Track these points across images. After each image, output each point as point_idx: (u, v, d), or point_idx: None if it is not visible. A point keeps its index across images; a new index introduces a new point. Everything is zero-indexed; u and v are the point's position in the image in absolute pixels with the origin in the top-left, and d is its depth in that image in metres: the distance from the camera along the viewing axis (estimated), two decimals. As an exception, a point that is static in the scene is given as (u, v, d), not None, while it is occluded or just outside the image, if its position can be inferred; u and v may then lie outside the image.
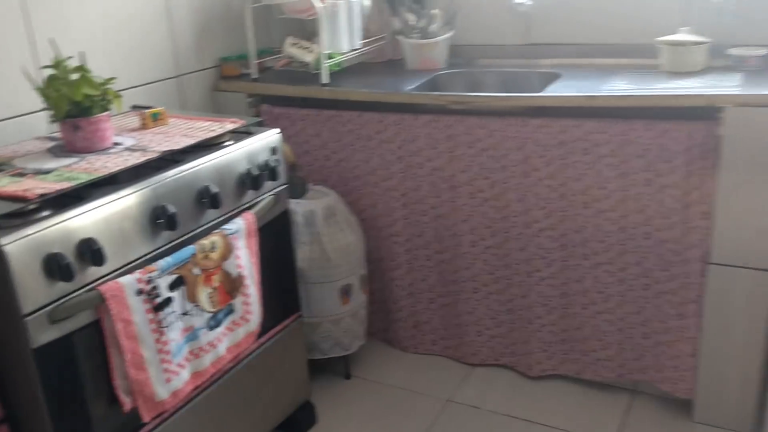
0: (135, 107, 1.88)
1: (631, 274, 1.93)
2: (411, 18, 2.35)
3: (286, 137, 2.24)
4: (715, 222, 1.76)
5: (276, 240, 1.81)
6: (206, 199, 1.54)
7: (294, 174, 2.04)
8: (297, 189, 2.08)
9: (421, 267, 2.21)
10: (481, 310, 2.17)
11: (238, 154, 1.65)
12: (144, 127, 1.67)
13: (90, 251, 1.28)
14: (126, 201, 1.37)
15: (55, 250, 1.24)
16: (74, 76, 1.44)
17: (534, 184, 1.96)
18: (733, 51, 1.97)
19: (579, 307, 2.03)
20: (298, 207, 2.03)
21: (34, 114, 1.71)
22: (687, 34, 2.00)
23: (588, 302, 2.01)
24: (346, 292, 2.09)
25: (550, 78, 2.14)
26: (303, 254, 2.02)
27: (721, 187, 1.73)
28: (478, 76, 2.33)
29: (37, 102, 1.50)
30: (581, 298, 2.02)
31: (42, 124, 1.72)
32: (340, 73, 2.26)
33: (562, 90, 1.93)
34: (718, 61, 2.00)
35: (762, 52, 1.93)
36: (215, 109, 2.30)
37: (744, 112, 1.66)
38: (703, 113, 1.72)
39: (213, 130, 1.65)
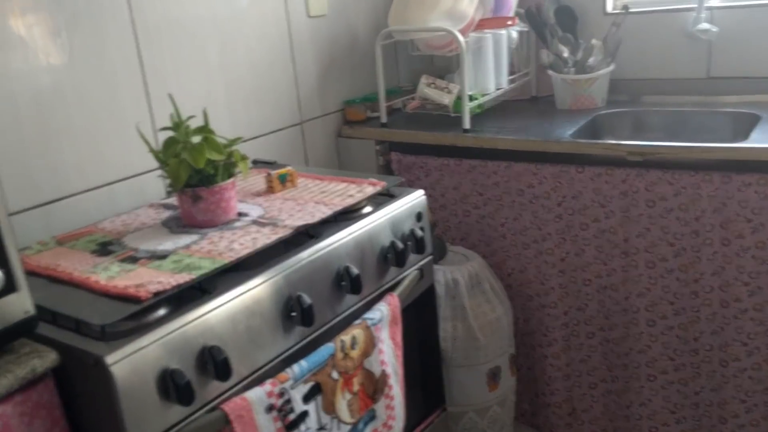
0: (257, 162, 1.64)
1: None
2: (564, 50, 2.02)
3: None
4: None
5: (420, 322, 1.52)
6: (346, 282, 1.26)
7: (431, 233, 1.75)
8: (435, 252, 1.77)
9: (581, 345, 1.85)
10: (658, 402, 1.78)
11: (381, 224, 1.36)
12: (270, 191, 1.42)
13: (214, 363, 1.02)
14: (255, 293, 1.11)
15: (173, 366, 0.98)
16: (196, 139, 1.20)
17: (736, 255, 1.57)
18: None
19: (717, 364, 1.62)
20: (437, 274, 1.73)
21: (148, 174, 1.50)
22: None
23: (728, 358, 1.60)
24: (493, 377, 1.77)
25: (746, 120, 1.76)
26: (445, 332, 1.71)
27: None
28: (645, 117, 1.96)
29: (151, 160, 1.27)
30: (719, 353, 1.61)
31: (157, 185, 1.50)
32: (482, 116, 1.96)
33: (773, 137, 1.55)
34: None
35: None
36: (340, 157, 2.04)
37: None
38: None
39: (351, 195, 1.38)
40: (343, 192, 1.40)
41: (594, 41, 2.00)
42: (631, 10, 1.98)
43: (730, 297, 1.61)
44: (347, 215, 1.34)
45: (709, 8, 1.90)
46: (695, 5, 1.88)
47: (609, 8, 2.08)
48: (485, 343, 1.73)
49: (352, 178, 1.48)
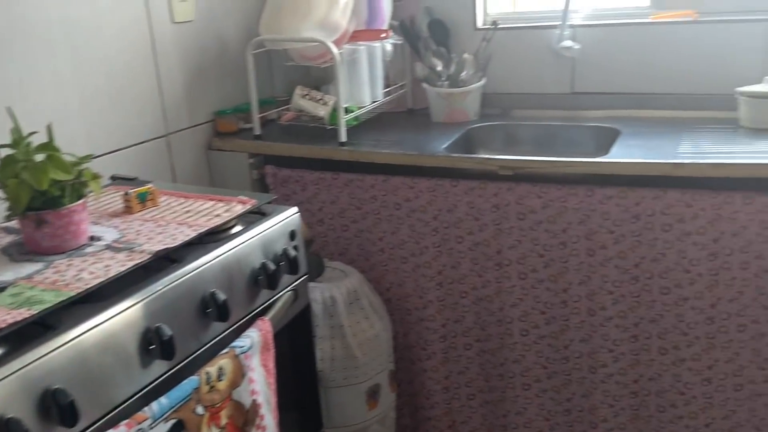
0: (116, 179, 1.53)
1: (721, 373, 1.60)
2: (438, 64, 2.03)
3: (296, 205, 1.90)
4: (831, 315, 1.45)
5: (295, 344, 1.46)
6: (212, 309, 1.19)
7: (308, 251, 1.69)
8: (312, 269, 1.72)
9: (459, 357, 1.86)
10: (533, 410, 1.82)
11: (251, 244, 1.30)
12: (129, 211, 1.32)
13: (58, 408, 0.92)
14: (108, 326, 1.01)
15: (9, 414, 0.87)
16: (39, 157, 1.08)
17: (600, 264, 1.63)
18: (828, 104, 1.68)
19: (654, 409, 1.69)
20: (314, 292, 1.68)
21: (-11, 193, 1.35)
22: (772, 84, 1.71)
23: (665, 404, 1.68)
24: (373, 395, 1.74)
25: (607, 134, 1.83)
26: (322, 353, 1.67)
27: (841, 274, 1.42)
28: (517, 130, 2.01)
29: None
30: (656, 399, 1.68)
31: (-2, 206, 1.36)
32: (358, 128, 1.93)
33: (631, 152, 1.62)
34: (806, 116, 1.71)
35: None
36: (211, 171, 1.95)
37: None
38: (819, 186, 1.42)
39: (218, 215, 1.30)
40: (210, 211, 1.32)
41: (466, 55, 2.02)
42: (499, 26, 2.02)
43: (596, 305, 1.67)
44: (214, 236, 1.27)
45: (572, 26, 1.97)
46: (559, 23, 1.95)
47: (479, 23, 2.11)
48: (364, 361, 1.70)
49: (220, 195, 1.40)
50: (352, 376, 1.69)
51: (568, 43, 1.95)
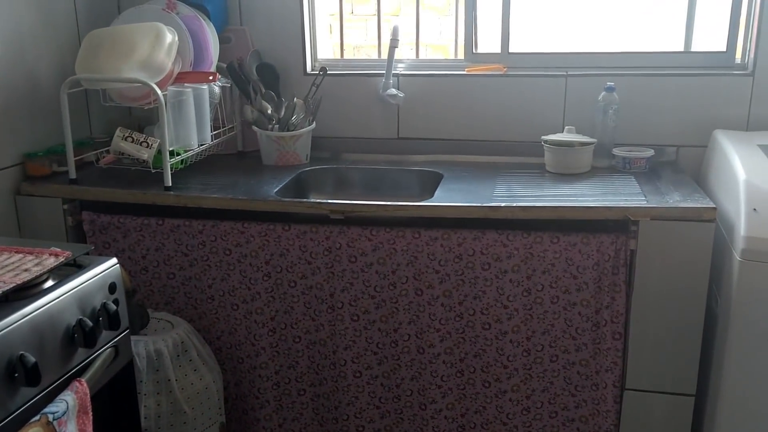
0: None
1: (538, 402, 1.72)
2: (268, 107, 2.03)
3: (117, 253, 1.79)
4: (628, 343, 1.61)
5: (116, 404, 1.36)
6: (19, 373, 1.08)
7: (130, 302, 1.60)
8: (135, 321, 1.63)
9: (293, 404, 1.84)
10: (368, 451, 1.84)
11: (65, 300, 1.20)
12: None
13: None
14: None
15: None
16: None
17: (428, 303, 1.70)
18: (618, 151, 1.89)
19: (481, 442, 1.78)
20: (138, 346, 1.58)
21: None
22: (572, 133, 1.89)
23: (491, 435, 1.77)
24: (203, 450, 1.66)
25: (431, 178, 1.93)
26: (147, 410, 1.57)
27: (634, 304, 1.59)
28: (347, 173, 2.05)
29: None
30: (483, 430, 1.77)
31: None
32: (186, 171, 1.88)
33: (453, 196, 1.71)
34: (601, 161, 1.91)
35: (649, 153, 1.86)
36: (21, 219, 1.79)
37: (658, 226, 1.54)
38: (613, 226, 1.58)
39: (26, 270, 1.19)
40: (17, 266, 1.21)
41: (296, 100, 2.04)
42: (328, 72, 2.06)
43: (424, 343, 1.72)
44: (22, 293, 1.16)
45: (396, 75, 2.07)
46: (384, 72, 2.03)
47: (309, 69, 2.15)
48: (193, 415, 1.63)
49: (30, 247, 1.29)
50: (181, 433, 1.61)
51: (392, 91, 2.03)
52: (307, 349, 1.79)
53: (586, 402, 1.69)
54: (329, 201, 1.70)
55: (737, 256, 1.40)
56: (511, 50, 2.07)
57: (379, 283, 1.71)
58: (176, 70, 1.82)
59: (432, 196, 1.74)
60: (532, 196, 1.68)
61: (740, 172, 1.52)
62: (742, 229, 1.40)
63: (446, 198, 1.71)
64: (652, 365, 1.60)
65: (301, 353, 1.80)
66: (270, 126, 2.02)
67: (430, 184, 1.90)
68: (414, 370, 1.76)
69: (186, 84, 1.85)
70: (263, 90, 2.06)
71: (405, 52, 2.26)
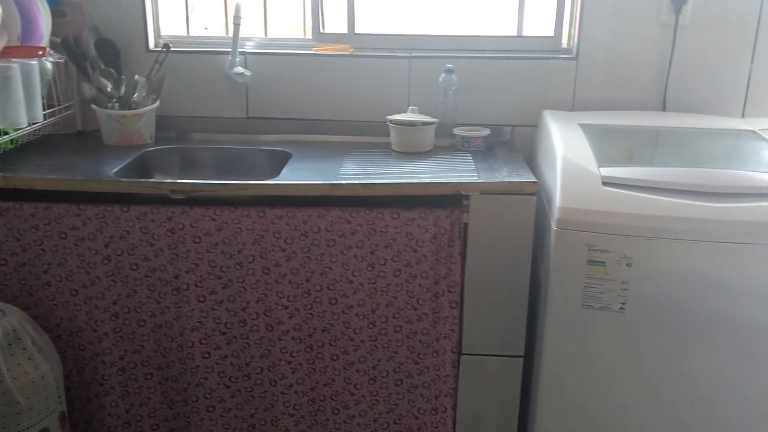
0: None
1: (383, 371, 1.79)
2: (107, 85, 1.96)
3: (-60, 239, 1.68)
4: (464, 311, 1.71)
5: (-67, 399, 1.29)
6: None
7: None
8: (-40, 310, 1.54)
9: (140, 388, 1.81)
10: (219, 431, 1.83)
11: None
12: None
13: None
14: None
15: None
16: None
17: (276, 282, 1.71)
18: (458, 131, 1.98)
19: (330, 412, 1.82)
20: (-37, 337, 1.50)
21: None
22: (415, 113, 1.97)
23: (340, 406, 1.82)
24: (41, 441, 1.60)
25: (280, 157, 1.94)
26: (-25, 403, 1.49)
27: (468, 274, 1.69)
28: (194, 154, 2.02)
29: None
30: (332, 402, 1.82)
31: None
32: (17, 152, 1.78)
33: (299, 174, 1.73)
34: (443, 140, 2.00)
35: (485, 132, 1.97)
36: None
37: (487, 199, 1.63)
38: (448, 201, 1.67)
39: None
40: None
41: (138, 77, 1.98)
42: (172, 49, 2.02)
43: (273, 321, 1.74)
44: None
45: (243, 53, 2.05)
46: (230, 49, 2.01)
47: (151, 45, 2.09)
48: (28, 405, 1.56)
49: None
50: (14, 423, 1.54)
51: (239, 69, 2.02)
52: (153, 332, 1.76)
53: (428, 368, 1.77)
54: (169, 180, 1.67)
55: (553, 226, 1.52)
56: (356, 31, 2.11)
57: (225, 263, 1.70)
58: (1, 45, 1.71)
59: (279, 175, 1.75)
60: (375, 174, 1.73)
61: (559, 148, 1.65)
62: (557, 200, 1.52)
63: (292, 177, 1.73)
64: (485, 330, 1.71)
65: (146, 337, 1.77)
66: (110, 104, 1.95)
67: (278, 163, 1.90)
68: (263, 347, 1.77)
69: (13, 59, 1.74)
70: (102, 67, 1.98)
71: (254, 30, 2.24)
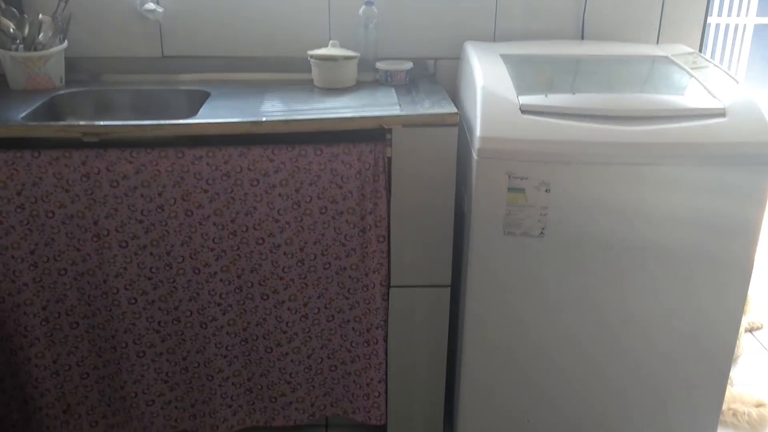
0: None
1: (315, 308, 1.80)
2: (10, 25, 1.85)
3: None
4: (391, 244, 1.73)
5: None
6: None
7: None
8: None
9: (66, 338, 1.77)
10: (151, 376, 1.82)
11: None
12: None
13: None
14: None
15: None
16: None
17: (199, 224, 1.69)
18: (381, 65, 1.96)
19: (263, 351, 1.83)
20: None
21: None
22: (336, 48, 1.93)
23: (272, 345, 1.83)
24: (-38, 396, 1.55)
25: (198, 97, 1.88)
26: None
27: (394, 208, 1.70)
28: (109, 96, 1.94)
29: None
30: (264, 341, 1.83)
31: None
32: None
33: (218, 113, 1.69)
34: (366, 75, 1.98)
35: (408, 66, 1.95)
36: None
37: (409, 132, 1.63)
38: (372, 135, 1.66)
39: None
40: None
41: (42, 16, 1.87)
42: (77, -14, 1.91)
43: (200, 263, 1.72)
44: None
45: (154, -11, 1.96)
46: (138, -16, 1.92)
47: (55, -19, 1.97)
48: (-56, 360, 1.51)
49: None
50: (-69, 381, 1.49)
51: (150, 5, 1.93)
52: (75, 281, 1.72)
53: (359, 303, 1.79)
54: (80, 123, 1.61)
55: (474, 155, 1.54)
56: (274, -37, 2.04)
57: (145, 207, 1.66)
58: None
59: (196, 114, 1.70)
60: (297, 111, 1.71)
61: (479, 78, 1.65)
62: (477, 130, 1.53)
63: (211, 115, 1.68)
64: (412, 263, 1.74)
65: (68, 285, 1.72)
66: (14, 46, 1.85)
67: (197, 103, 1.85)
68: (191, 291, 1.76)
69: None
70: (3, 6, 1.86)
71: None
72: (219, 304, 1.77)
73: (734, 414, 1.96)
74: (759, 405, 2.00)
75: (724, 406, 1.99)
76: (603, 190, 1.53)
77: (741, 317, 1.63)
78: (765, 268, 2.94)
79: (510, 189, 1.53)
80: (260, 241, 1.72)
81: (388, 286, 1.77)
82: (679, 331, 1.64)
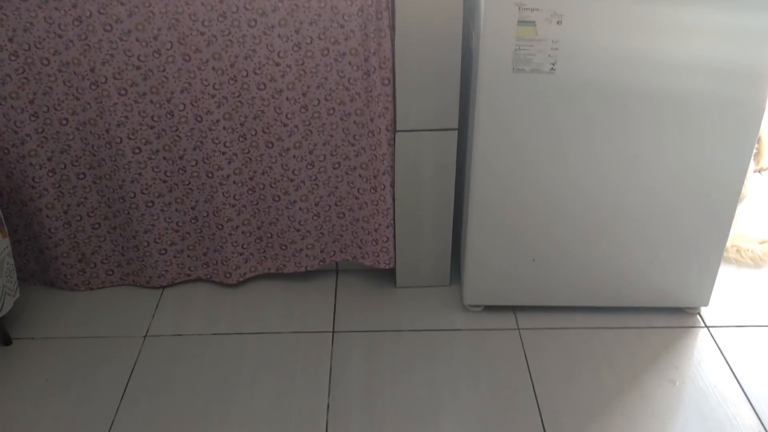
0: None
1: (321, 155, 1.79)
2: None
3: None
4: (396, 87, 1.68)
5: None
6: None
7: None
8: None
9: (74, 188, 1.78)
10: (161, 225, 1.85)
11: None
12: None
13: None
14: None
15: None
16: None
17: (198, 69, 1.64)
18: None
19: (271, 200, 1.84)
20: None
21: None
22: None
23: (280, 193, 1.83)
24: (-23, 243, 1.59)
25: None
26: None
27: (398, 48, 1.63)
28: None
29: None
30: (272, 190, 1.83)
31: None
32: None
33: (211, -51, 1.59)
34: None
35: None
36: None
37: (413, -36, 1.54)
38: (372, -32, 1.57)
39: None
40: None
41: None
42: None
43: (201, 111, 1.69)
44: None
45: None
46: None
47: None
48: (-45, 208, 1.53)
49: None
50: (-55, 228, 1.51)
51: None
52: (78, 131, 1.70)
53: (365, 149, 1.77)
54: (66, -40, 1.52)
55: (483, -12, 1.45)
56: None
57: (141, 51, 1.61)
58: None
59: (187, -49, 1.61)
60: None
61: None
62: (485, -43, 1.44)
63: (203, -48, 1.59)
64: (418, 106, 1.69)
65: (71, 136, 1.71)
66: None
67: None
68: (195, 139, 1.74)
69: None
70: None
71: None
72: (224, 153, 1.76)
73: (738, 250, 1.98)
74: (762, 242, 2.01)
75: (728, 243, 2.01)
76: (618, 21, 1.45)
77: (750, 158, 1.59)
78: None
79: (520, 22, 1.46)
80: (261, 87, 1.68)
81: (394, 131, 1.74)
82: (688, 170, 1.61)
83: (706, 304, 1.82)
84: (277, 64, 1.65)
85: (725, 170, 1.62)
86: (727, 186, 1.64)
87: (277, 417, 1.57)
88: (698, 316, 1.84)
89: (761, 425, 1.54)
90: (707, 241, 1.71)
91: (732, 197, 1.66)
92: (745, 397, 1.61)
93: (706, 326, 1.81)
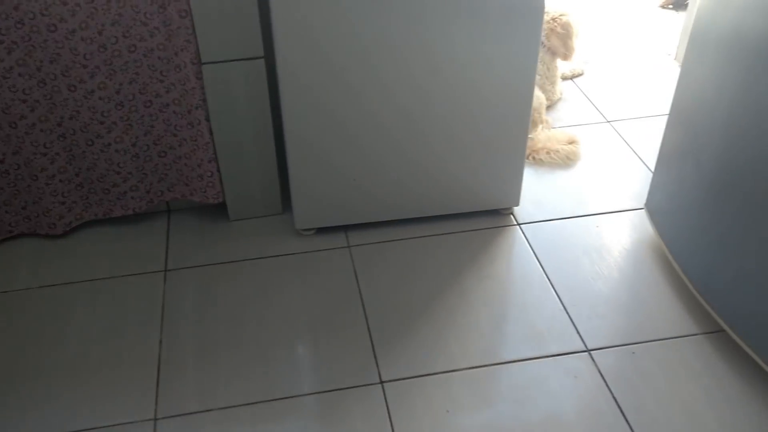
0: None
1: (129, 95, 1.75)
2: None
3: None
4: (194, 19, 1.65)
5: None
6: None
7: None
8: None
9: None
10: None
11: None
12: None
13: None
14: None
15: None
16: None
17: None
18: None
19: (84, 144, 1.80)
20: None
21: None
22: None
23: (92, 137, 1.79)
24: None
25: None
26: None
27: (191, -22, 1.60)
28: None
29: None
30: (83, 134, 1.78)
31: None
32: None
33: None
34: None
35: None
36: None
37: None
38: None
39: None
40: None
41: None
42: None
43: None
44: None
45: None
46: None
47: None
48: None
49: None
50: None
51: None
52: None
53: (174, 85, 1.75)
54: None
55: None
56: None
57: None
58: None
59: None
60: None
61: None
62: None
63: None
64: (220, 37, 1.68)
65: None
66: None
67: None
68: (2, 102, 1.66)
69: None
70: None
71: None
72: (24, 101, 1.69)
73: (548, 152, 2.13)
74: (571, 142, 2.18)
75: (540, 145, 2.16)
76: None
77: (536, 61, 1.71)
78: (589, 19, 3.04)
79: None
80: (52, 28, 1.61)
81: (200, 64, 1.72)
82: (483, 68, 1.69)
83: (517, 204, 1.96)
84: (65, 3, 1.58)
85: (516, 71, 1.71)
86: (521, 86, 1.74)
87: (110, 359, 1.59)
88: (512, 216, 1.99)
89: (563, 307, 1.71)
90: (509, 143, 1.83)
91: (526, 99, 1.77)
92: (549, 284, 1.78)
93: (518, 224, 1.96)
